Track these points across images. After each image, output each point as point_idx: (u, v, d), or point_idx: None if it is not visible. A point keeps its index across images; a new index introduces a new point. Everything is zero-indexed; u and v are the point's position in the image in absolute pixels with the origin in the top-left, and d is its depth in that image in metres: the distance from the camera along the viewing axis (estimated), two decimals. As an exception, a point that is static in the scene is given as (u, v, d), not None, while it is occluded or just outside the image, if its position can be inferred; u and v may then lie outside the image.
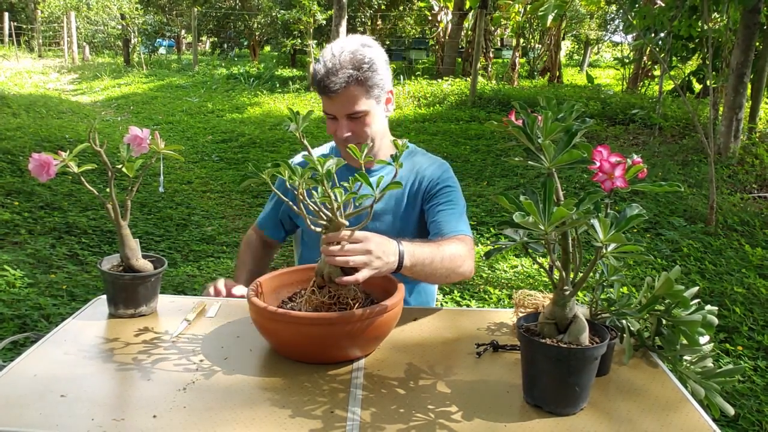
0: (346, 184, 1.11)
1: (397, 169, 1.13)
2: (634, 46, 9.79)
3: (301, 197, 1.11)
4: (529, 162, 0.94)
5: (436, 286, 1.76)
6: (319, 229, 1.15)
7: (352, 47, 1.42)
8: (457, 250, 1.37)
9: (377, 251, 1.17)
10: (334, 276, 1.15)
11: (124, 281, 1.29)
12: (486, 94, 9.25)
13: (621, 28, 12.81)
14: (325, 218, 1.14)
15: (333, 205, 1.11)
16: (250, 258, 1.69)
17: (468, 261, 1.40)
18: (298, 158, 1.68)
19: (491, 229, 4.17)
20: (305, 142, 1.13)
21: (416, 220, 1.55)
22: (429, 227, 1.51)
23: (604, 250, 0.93)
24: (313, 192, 1.13)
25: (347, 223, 1.14)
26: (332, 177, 1.08)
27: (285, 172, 1.08)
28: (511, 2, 10.48)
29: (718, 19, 6.36)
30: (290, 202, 1.14)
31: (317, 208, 1.13)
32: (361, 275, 1.14)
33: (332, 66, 1.39)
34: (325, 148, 1.70)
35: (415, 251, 1.27)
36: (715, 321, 1.18)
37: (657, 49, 6.37)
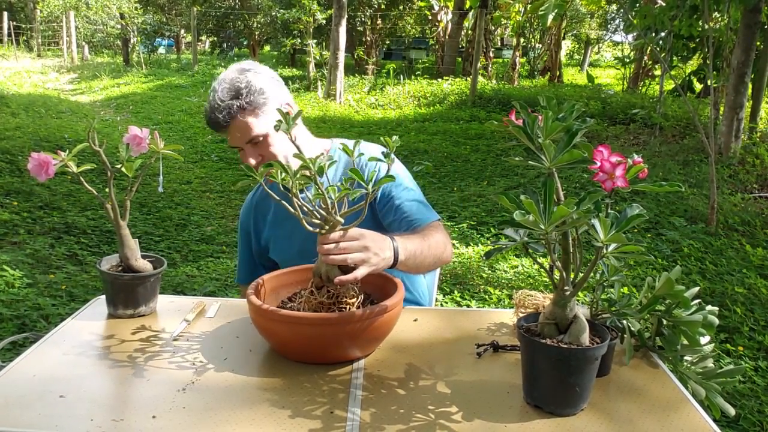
0: (339, 184, 1.11)
1: (389, 165, 1.12)
2: (634, 46, 9.79)
3: (295, 197, 1.10)
4: (530, 162, 0.94)
5: (435, 284, 1.76)
6: (315, 229, 1.14)
7: (228, 78, 1.43)
8: (437, 237, 1.39)
9: (374, 248, 1.17)
10: (332, 275, 1.15)
11: (124, 281, 1.29)
12: (486, 94, 9.25)
13: (621, 27, 12.81)
14: (319, 218, 1.13)
15: (327, 204, 1.11)
16: None
17: (448, 245, 1.42)
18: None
19: (491, 229, 4.17)
20: (296, 142, 1.13)
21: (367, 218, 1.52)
22: (392, 224, 1.47)
23: (605, 250, 0.93)
24: (307, 193, 1.13)
25: (342, 221, 1.14)
26: (325, 174, 1.08)
27: (278, 173, 1.08)
28: (512, 2, 10.48)
29: (719, 19, 6.35)
30: (285, 202, 1.13)
31: (311, 209, 1.12)
32: (359, 273, 1.14)
33: (214, 103, 1.40)
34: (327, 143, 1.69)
35: (407, 245, 1.27)
36: (716, 321, 1.17)
37: (658, 48, 6.36)
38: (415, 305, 1.58)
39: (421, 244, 1.32)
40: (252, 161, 1.43)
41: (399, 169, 1.53)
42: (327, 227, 1.13)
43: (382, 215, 1.50)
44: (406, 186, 1.50)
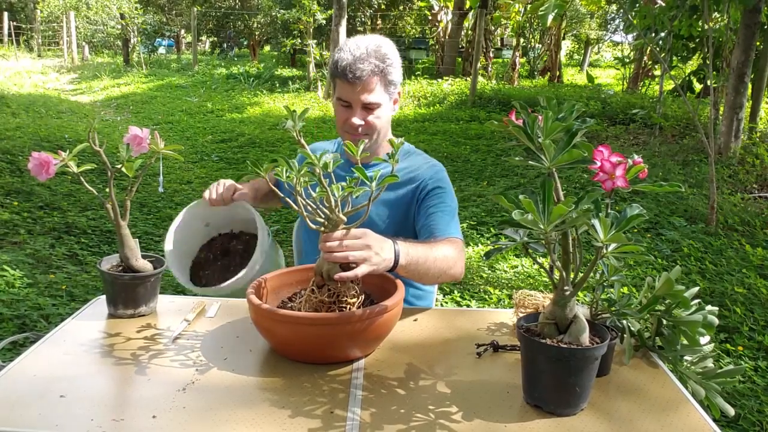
0: (343, 183, 1.11)
1: (393, 165, 1.12)
2: (634, 46, 9.79)
3: (299, 195, 1.10)
4: (530, 162, 0.94)
5: (436, 286, 1.76)
6: (317, 227, 1.15)
7: (376, 42, 1.50)
8: (448, 251, 1.38)
9: (376, 247, 1.18)
10: (333, 273, 1.15)
11: (124, 281, 1.29)
12: (486, 94, 9.25)
13: (621, 27, 12.81)
14: (323, 216, 1.14)
15: (331, 202, 1.11)
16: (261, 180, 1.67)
17: (459, 263, 1.41)
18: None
19: (491, 229, 4.17)
20: (302, 140, 1.13)
21: (405, 219, 1.55)
22: (420, 230, 1.51)
23: (605, 250, 0.93)
24: (311, 191, 1.12)
25: (345, 219, 1.14)
26: (329, 172, 1.08)
27: (283, 169, 1.08)
28: (512, 2, 10.48)
29: (719, 19, 6.35)
30: (289, 200, 1.13)
31: (315, 207, 1.12)
32: (360, 270, 1.14)
33: (360, 54, 1.46)
34: (331, 144, 1.74)
35: (410, 250, 1.27)
36: (716, 321, 1.17)
37: (657, 48, 6.36)
38: (424, 305, 1.60)
39: (426, 253, 1.32)
40: (356, 122, 1.48)
41: (446, 184, 1.57)
42: (330, 225, 1.13)
43: (416, 218, 1.54)
44: (445, 200, 1.53)
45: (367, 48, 1.47)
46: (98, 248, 3.67)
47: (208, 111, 9.15)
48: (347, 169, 1.52)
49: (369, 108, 1.49)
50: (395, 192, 1.55)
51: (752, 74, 5.58)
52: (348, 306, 1.15)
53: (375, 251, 1.17)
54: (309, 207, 1.13)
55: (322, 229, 1.14)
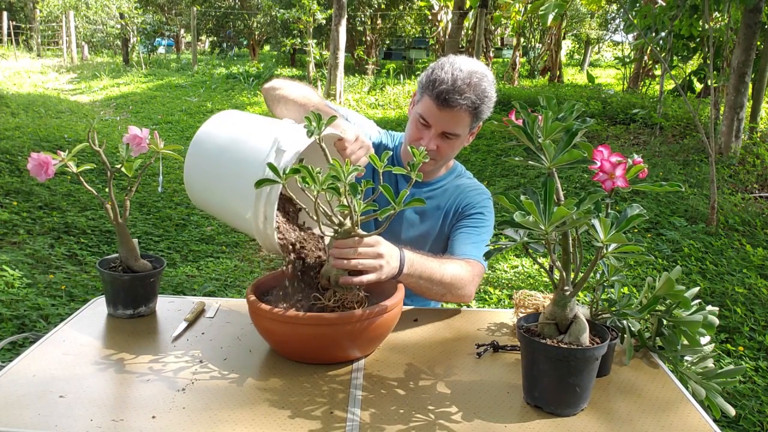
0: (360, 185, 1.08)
1: (413, 178, 1.09)
2: (634, 46, 9.79)
3: (316, 202, 1.07)
4: (530, 162, 0.94)
5: None
6: (330, 232, 1.14)
7: (479, 72, 1.41)
8: (461, 271, 1.35)
9: (387, 256, 1.18)
10: (340, 279, 1.14)
11: (123, 281, 1.29)
12: (486, 94, 9.23)
13: (622, 27, 12.81)
14: (336, 222, 1.12)
15: (350, 212, 1.09)
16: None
17: (469, 285, 1.38)
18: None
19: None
20: (323, 145, 1.11)
21: (446, 239, 1.55)
22: (448, 246, 1.50)
23: (605, 250, 0.93)
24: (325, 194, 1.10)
25: (360, 230, 1.13)
26: (357, 189, 1.05)
27: (301, 176, 1.05)
28: (512, 1, 10.48)
29: (719, 19, 6.36)
30: (300, 202, 1.12)
31: (331, 213, 1.11)
32: (366, 278, 1.14)
33: (461, 84, 1.37)
34: (391, 140, 1.68)
35: (415, 261, 1.26)
36: (716, 321, 1.17)
37: (658, 48, 6.36)
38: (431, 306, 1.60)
39: (432, 268, 1.30)
40: (428, 144, 1.43)
41: (489, 213, 1.55)
42: (342, 233, 1.12)
43: (449, 235, 1.53)
44: (480, 225, 1.52)
45: (470, 78, 1.38)
46: (98, 248, 3.66)
47: (208, 111, 9.15)
48: (396, 177, 1.55)
49: (446, 136, 1.44)
50: (431, 203, 1.55)
51: (753, 74, 5.58)
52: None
53: (386, 260, 1.17)
54: (323, 210, 1.10)
55: (334, 235, 1.13)
